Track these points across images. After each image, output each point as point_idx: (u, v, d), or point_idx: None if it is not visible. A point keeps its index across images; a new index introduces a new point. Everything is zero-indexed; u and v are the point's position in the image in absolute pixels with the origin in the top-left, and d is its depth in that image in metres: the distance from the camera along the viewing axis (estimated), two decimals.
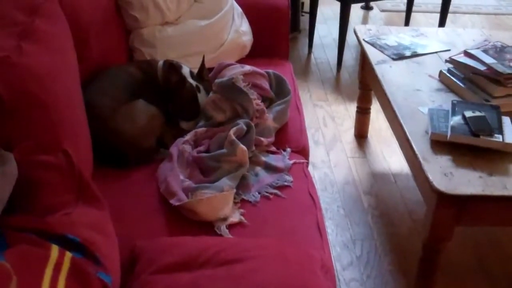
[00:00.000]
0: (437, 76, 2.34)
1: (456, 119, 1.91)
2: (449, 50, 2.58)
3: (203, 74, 2.06)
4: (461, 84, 2.19)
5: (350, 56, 4.07)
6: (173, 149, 1.82)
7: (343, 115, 3.30)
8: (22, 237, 1.10)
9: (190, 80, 2.00)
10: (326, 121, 3.24)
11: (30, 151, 1.28)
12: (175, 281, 1.26)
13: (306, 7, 4.42)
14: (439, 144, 1.87)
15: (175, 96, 1.98)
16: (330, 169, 2.81)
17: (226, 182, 1.67)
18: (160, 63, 2.06)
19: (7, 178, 1.18)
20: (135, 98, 1.91)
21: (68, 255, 1.04)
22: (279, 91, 2.12)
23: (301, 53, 4.15)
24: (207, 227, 1.58)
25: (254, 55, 2.54)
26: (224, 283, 1.25)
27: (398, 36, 2.74)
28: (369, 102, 2.95)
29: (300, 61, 4.01)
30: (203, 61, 2.07)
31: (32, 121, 1.30)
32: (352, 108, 3.25)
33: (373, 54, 2.57)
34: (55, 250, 1.04)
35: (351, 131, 3.11)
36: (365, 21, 4.78)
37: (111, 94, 1.88)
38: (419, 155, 1.82)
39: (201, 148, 1.84)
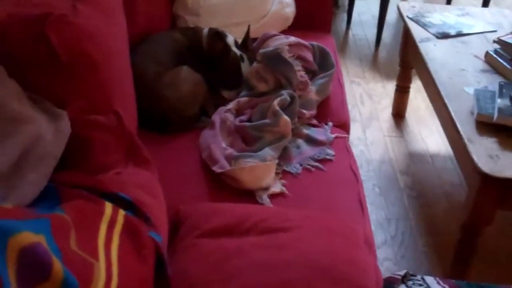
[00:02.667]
0: (483, 57, 2.29)
1: (503, 101, 1.87)
2: (495, 31, 2.53)
3: (248, 43, 2.05)
4: (508, 66, 2.15)
5: (388, 34, 4.01)
6: (215, 117, 1.82)
7: (381, 93, 3.26)
8: (75, 193, 1.12)
9: (234, 49, 1.99)
10: (363, 99, 3.21)
11: (82, 110, 1.30)
12: (220, 246, 1.27)
13: None
14: (485, 126, 1.84)
15: (219, 65, 1.98)
16: (366, 146, 2.79)
17: (268, 152, 1.67)
18: (205, 30, 2.05)
19: (60, 135, 1.20)
20: (179, 65, 1.91)
21: (121, 212, 1.05)
22: (322, 64, 2.10)
23: (339, 29, 4.10)
24: (248, 195, 1.58)
25: (296, 27, 2.50)
26: (268, 250, 1.25)
27: (443, 15, 2.69)
28: (409, 80, 2.92)
29: (338, 37, 3.96)
30: (248, 30, 2.06)
31: (86, 80, 1.31)
32: (390, 86, 3.21)
33: (417, 32, 2.52)
34: (109, 207, 1.05)
35: (389, 110, 3.08)
36: None
37: (156, 59, 1.88)
38: (463, 136, 1.80)
39: (243, 117, 1.84)
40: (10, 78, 1.22)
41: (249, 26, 2.06)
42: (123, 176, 1.20)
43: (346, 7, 4.13)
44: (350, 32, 4.06)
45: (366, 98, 3.22)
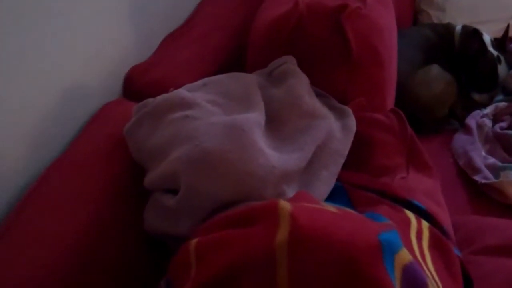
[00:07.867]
0: None
1: None
2: None
3: (506, 44, 1.89)
4: None
5: None
6: (471, 122, 1.70)
7: None
8: (365, 195, 1.07)
9: (491, 50, 1.85)
10: None
11: (362, 107, 1.25)
12: (503, 266, 1.16)
13: None
14: None
15: (472, 65, 1.85)
16: None
17: None
18: (458, 28, 1.92)
19: (347, 133, 1.16)
20: (428, 63, 1.81)
21: (425, 223, 0.98)
22: None
23: None
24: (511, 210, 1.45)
25: None
26: None
27: None
28: None
29: None
30: (507, 30, 1.90)
31: (371, 77, 1.27)
32: None
33: None
34: (411, 216, 0.99)
35: None
36: None
37: (407, 56, 1.79)
38: None
39: (503, 124, 1.69)
40: (300, 70, 1.20)
41: (508, 25, 1.90)
42: (409, 182, 1.14)
43: None
44: None
45: None
